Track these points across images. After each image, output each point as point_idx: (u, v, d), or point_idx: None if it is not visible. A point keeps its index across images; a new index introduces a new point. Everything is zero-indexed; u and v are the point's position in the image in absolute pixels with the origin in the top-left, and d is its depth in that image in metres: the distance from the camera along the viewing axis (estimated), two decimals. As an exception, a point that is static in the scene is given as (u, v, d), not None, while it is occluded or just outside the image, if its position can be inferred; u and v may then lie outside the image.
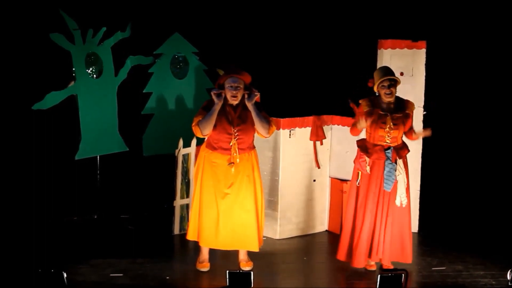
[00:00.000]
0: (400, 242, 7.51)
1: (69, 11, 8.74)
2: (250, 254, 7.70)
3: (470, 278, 7.49)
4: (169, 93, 9.31)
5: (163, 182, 9.01)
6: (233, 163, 7.39)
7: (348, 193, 7.95)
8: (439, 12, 9.70)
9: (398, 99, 7.46)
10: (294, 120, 8.65)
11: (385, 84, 7.34)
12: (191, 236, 7.62)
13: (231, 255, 7.75)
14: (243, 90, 7.36)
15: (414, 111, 7.64)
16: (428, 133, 7.57)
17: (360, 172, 7.47)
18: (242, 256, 7.67)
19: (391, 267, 7.51)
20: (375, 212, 7.43)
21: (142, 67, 9.27)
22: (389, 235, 7.44)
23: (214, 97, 7.31)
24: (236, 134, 7.38)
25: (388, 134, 7.38)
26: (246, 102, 7.35)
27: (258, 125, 7.41)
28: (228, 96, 7.36)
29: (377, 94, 7.47)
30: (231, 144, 7.39)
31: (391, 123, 7.36)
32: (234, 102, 7.39)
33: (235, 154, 7.39)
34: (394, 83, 7.36)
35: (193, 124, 7.38)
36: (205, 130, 7.36)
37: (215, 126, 7.35)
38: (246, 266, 7.62)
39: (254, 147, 7.57)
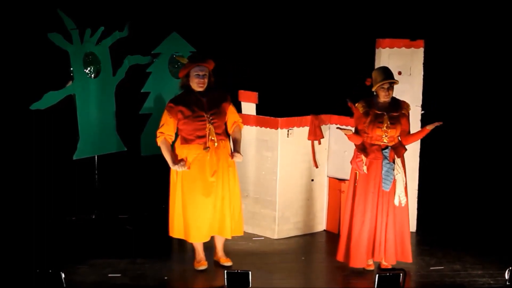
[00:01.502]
0: (401, 241, 7.52)
1: (67, 11, 8.74)
2: (249, 253, 7.69)
3: (468, 277, 7.49)
4: (167, 93, 9.30)
5: (161, 182, 8.99)
6: (208, 147, 7.35)
7: (346, 193, 7.95)
8: (437, 11, 9.71)
9: (394, 99, 7.48)
10: (292, 119, 8.64)
11: (385, 86, 7.36)
12: (176, 233, 7.55)
13: (230, 254, 7.74)
14: (207, 77, 7.35)
15: (412, 111, 7.65)
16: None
17: (357, 173, 7.47)
18: (221, 253, 7.65)
19: (389, 266, 7.52)
20: (376, 212, 7.42)
21: (140, 67, 9.27)
22: (391, 234, 7.44)
23: (180, 166, 7.34)
24: (210, 119, 7.34)
25: (386, 133, 7.38)
26: (236, 159, 7.41)
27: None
28: (195, 84, 7.36)
29: (374, 93, 7.47)
30: (207, 130, 7.35)
31: (388, 122, 7.37)
32: (201, 89, 7.38)
33: (212, 138, 7.35)
34: (393, 85, 7.39)
35: (159, 136, 7.36)
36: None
37: (187, 117, 7.32)
38: (226, 262, 7.60)
39: (228, 136, 7.54)
